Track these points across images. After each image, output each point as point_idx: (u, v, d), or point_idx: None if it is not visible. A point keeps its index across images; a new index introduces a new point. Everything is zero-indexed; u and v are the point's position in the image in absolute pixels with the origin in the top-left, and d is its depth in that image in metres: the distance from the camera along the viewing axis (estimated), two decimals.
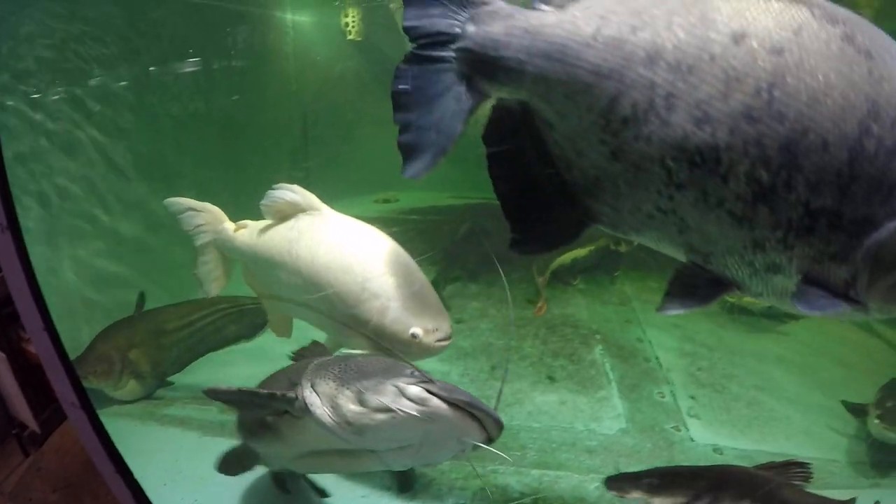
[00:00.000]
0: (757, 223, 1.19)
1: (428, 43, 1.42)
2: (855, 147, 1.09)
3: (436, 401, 1.37)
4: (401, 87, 1.47)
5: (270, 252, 2.44)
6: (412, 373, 1.44)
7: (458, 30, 1.38)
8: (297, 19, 7.05)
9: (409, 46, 1.48)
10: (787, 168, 1.12)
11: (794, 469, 2.04)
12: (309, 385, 1.50)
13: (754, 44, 1.14)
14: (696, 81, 1.16)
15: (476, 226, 5.51)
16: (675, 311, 1.38)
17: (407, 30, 1.43)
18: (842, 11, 1.18)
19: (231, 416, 2.19)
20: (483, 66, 1.38)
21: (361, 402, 1.39)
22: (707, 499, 1.88)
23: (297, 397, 1.50)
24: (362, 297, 2.08)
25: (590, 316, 4.46)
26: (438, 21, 1.40)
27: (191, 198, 2.72)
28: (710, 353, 3.89)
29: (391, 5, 6.10)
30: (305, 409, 1.47)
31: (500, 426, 1.45)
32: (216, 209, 2.73)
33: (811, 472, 2.04)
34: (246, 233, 2.61)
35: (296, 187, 2.41)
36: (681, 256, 1.39)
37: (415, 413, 1.35)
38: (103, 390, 3.09)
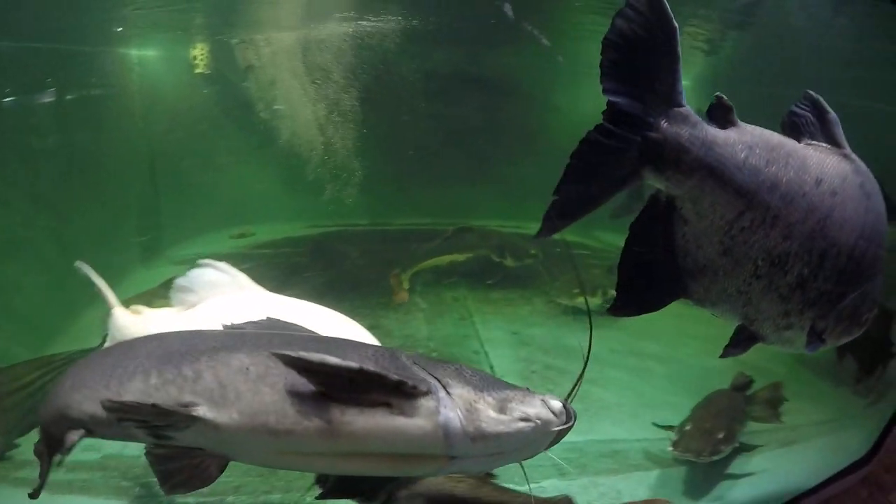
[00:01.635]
0: (791, 301, 1.72)
1: (620, 121, 1.58)
2: (850, 253, 1.67)
3: (567, 414, 1.44)
4: (580, 157, 1.62)
5: None
6: (527, 388, 1.50)
7: (651, 120, 1.57)
8: (144, 55, 6.83)
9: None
10: (818, 267, 1.67)
11: None
12: (441, 385, 1.39)
13: (825, 187, 1.65)
14: (791, 209, 1.62)
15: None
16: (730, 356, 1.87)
17: (608, 101, 1.56)
18: (861, 165, 1.73)
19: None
20: (661, 159, 1.58)
21: (503, 411, 1.37)
22: None
23: (428, 392, 1.35)
24: None
25: (429, 333, 4.65)
26: (637, 105, 1.57)
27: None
28: (545, 354, 4.23)
29: (232, 41, 6.15)
30: (434, 408, 1.34)
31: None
32: (106, 290, 2.34)
33: None
34: (140, 322, 2.22)
35: (223, 265, 2.14)
36: (734, 321, 1.85)
37: (558, 426, 1.41)
38: None
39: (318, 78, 5.88)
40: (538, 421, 1.38)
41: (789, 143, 1.69)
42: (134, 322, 2.25)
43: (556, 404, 1.43)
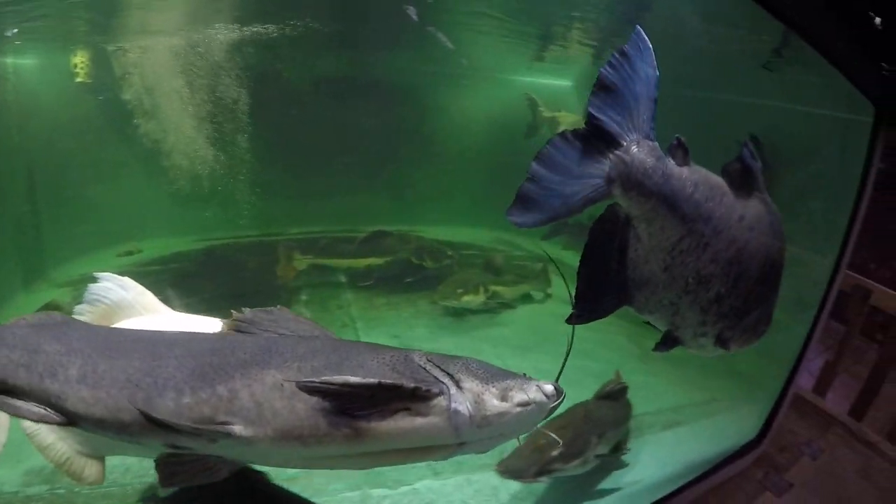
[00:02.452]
0: (709, 314, 2.01)
1: (598, 135, 1.77)
2: (757, 277, 2.00)
3: (558, 393, 1.60)
4: (556, 147, 1.79)
5: None
6: (524, 375, 1.64)
7: (624, 143, 1.77)
8: (20, 63, 6.45)
9: None
10: (733, 287, 1.97)
11: None
12: (453, 381, 1.51)
13: (745, 223, 1.93)
14: (719, 238, 1.89)
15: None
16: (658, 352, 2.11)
17: (590, 115, 1.75)
18: (773, 207, 2.04)
19: None
20: (628, 179, 1.78)
21: (505, 398, 1.51)
22: None
23: (441, 392, 1.46)
24: None
25: None
26: (616, 126, 1.77)
27: None
28: None
29: (108, 48, 5.87)
30: (446, 406, 1.46)
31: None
32: None
33: None
34: None
35: (126, 280, 1.95)
36: (661, 327, 2.10)
37: (550, 405, 1.58)
38: None
39: (204, 87, 5.69)
40: (534, 404, 1.54)
41: (724, 184, 1.96)
42: None
43: (549, 388, 1.59)
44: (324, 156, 6.00)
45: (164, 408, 1.42)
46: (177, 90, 5.74)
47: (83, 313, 1.97)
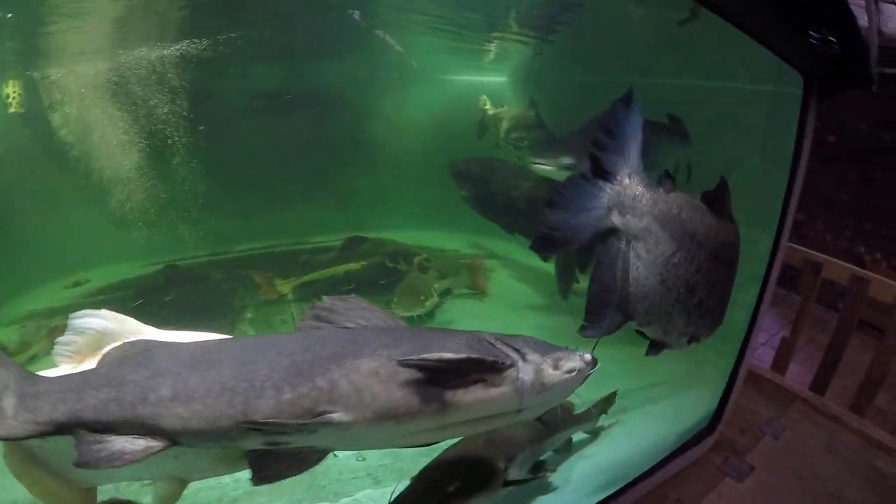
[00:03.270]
0: (692, 316, 2.32)
1: (598, 172, 2.12)
2: (726, 282, 2.48)
3: (594, 362, 1.83)
4: (563, 189, 2.13)
5: None
6: (567, 347, 1.85)
7: (619, 178, 2.13)
8: None
9: None
10: (711, 293, 2.34)
11: None
12: (519, 354, 1.71)
13: (720, 238, 2.35)
14: (701, 251, 2.24)
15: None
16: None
17: (592, 155, 2.10)
18: (736, 227, 2.50)
19: None
20: (623, 205, 2.12)
21: (557, 367, 1.72)
22: None
23: (512, 364, 1.66)
24: None
25: None
26: (613, 163, 2.12)
27: None
28: None
29: (35, 75, 5.68)
30: (515, 376, 1.66)
31: None
32: None
33: None
34: None
35: (104, 312, 1.90)
36: (654, 335, 2.37)
37: (589, 373, 1.80)
38: None
39: (138, 108, 5.54)
40: (577, 371, 1.76)
41: (703, 206, 2.37)
42: None
43: (588, 357, 1.82)
44: (265, 170, 5.89)
45: (265, 407, 1.50)
46: (110, 114, 5.58)
47: (70, 344, 1.91)
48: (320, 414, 1.50)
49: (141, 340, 1.80)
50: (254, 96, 5.99)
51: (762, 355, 5.02)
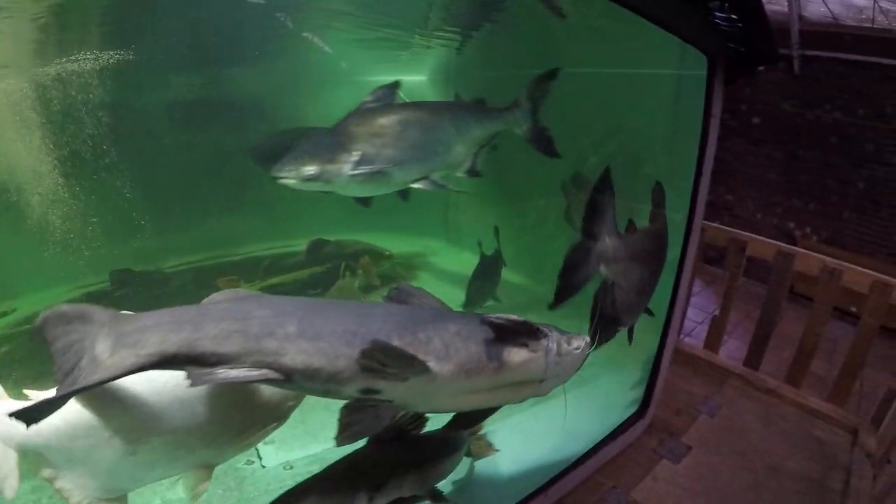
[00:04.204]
0: (644, 308, 3.10)
1: (590, 236, 2.69)
2: (658, 277, 3.21)
3: (592, 343, 2.14)
4: (574, 262, 2.68)
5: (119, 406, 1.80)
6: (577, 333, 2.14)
7: (600, 238, 2.71)
8: None
9: None
10: (653, 287, 3.11)
11: None
12: (548, 328, 1.99)
13: (660, 251, 3.26)
14: (652, 261, 3.08)
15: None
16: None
17: (584, 228, 2.69)
18: (665, 217, 3.22)
19: None
20: (605, 256, 2.70)
21: (569, 343, 2.01)
22: None
23: (547, 335, 1.96)
24: None
25: None
26: (596, 230, 2.70)
27: None
28: None
29: None
30: (546, 345, 1.94)
31: None
32: None
33: None
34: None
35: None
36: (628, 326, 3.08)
37: (588, 352, 2.08)
38: None
39: (51, 125, 5.32)
40: (581, 349, 2.05)
41: (651, 228, 3.12)
42: None
43: (587, 338, 2.10)
44: (187, 182, 5.72)
45: None
46: (25, 132, 5.36)
47: None
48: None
49: (243, 290, 2.01)
50: (173, 106, 5.81)
51: (700, 334, 5.08)
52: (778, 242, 4.51)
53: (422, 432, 2.55)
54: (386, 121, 3.40)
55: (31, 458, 1.90)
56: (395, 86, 3.47)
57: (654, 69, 3.64)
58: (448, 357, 1.80)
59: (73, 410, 1.78)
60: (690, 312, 8.24)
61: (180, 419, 1.90)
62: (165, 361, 1.59)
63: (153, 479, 2.13)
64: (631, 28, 2.97)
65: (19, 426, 1.65)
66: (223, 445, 2.05)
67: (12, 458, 1.86)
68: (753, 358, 4.61)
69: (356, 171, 3.20)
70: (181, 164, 5.71)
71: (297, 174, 3.24)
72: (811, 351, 4.44)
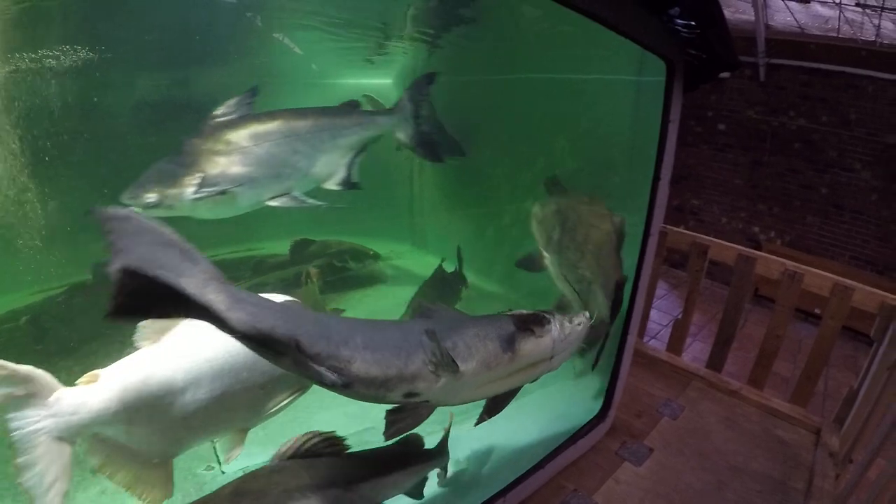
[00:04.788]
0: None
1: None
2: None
3: (592, 317, 2.50)
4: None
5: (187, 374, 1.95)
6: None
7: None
8: None
9: None
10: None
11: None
12: (550, 314, 2.31)
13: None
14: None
15: None
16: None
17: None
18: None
19: None
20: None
21: (571, 322, 2.35)
22: None
23: (550, 321, 2.29)
24: None
25: None
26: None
27: None
28: None
29: None
30: (551, 328, 2.29)
31: None
32: (40, 374, 1.74)
33: None
34: (105, 385, 1.84)
35: None
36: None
37: (588, 325, 2.44)
38: None
39: (18, 125, 5.19)
40: (582, 325, 2.41)
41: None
42: (94, 392, 1.84)
43: (588, 314, 2.46)
44: None
45: (417, 359, 1.94)
46: None
47: (148, 327, 2.07)
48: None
49: (293, 299, 2.25)
50: (138, 107, 5.71)
51: (664, 337, 5.13)
52: (739, 246, 4.58)
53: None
54: (233, 136, 3.15)
55: (87, 445, 1.89)
56: (253, 93, 3.27)
57: (614, 75, 3.67)
58: (471, 356, 2.08)
59: (139, 379, 1.89)
60: (655, 316, 8.36)
61: (230, 383, 2.05)
62: (270, 344, 1.67)
63: (197, 443, 2.22)
64: (593, 34, 2.99)
65: (80, 410, 1.77)
66: (259, 409, 2.22)
67: (67, 453, 1.78)
68: (716, 360, 4.67)
69: (198, 196, 2.96)
70: (143, 168, 5.61)
71: (138, 202, 3.06)
72: (773, 353, 4.51)
